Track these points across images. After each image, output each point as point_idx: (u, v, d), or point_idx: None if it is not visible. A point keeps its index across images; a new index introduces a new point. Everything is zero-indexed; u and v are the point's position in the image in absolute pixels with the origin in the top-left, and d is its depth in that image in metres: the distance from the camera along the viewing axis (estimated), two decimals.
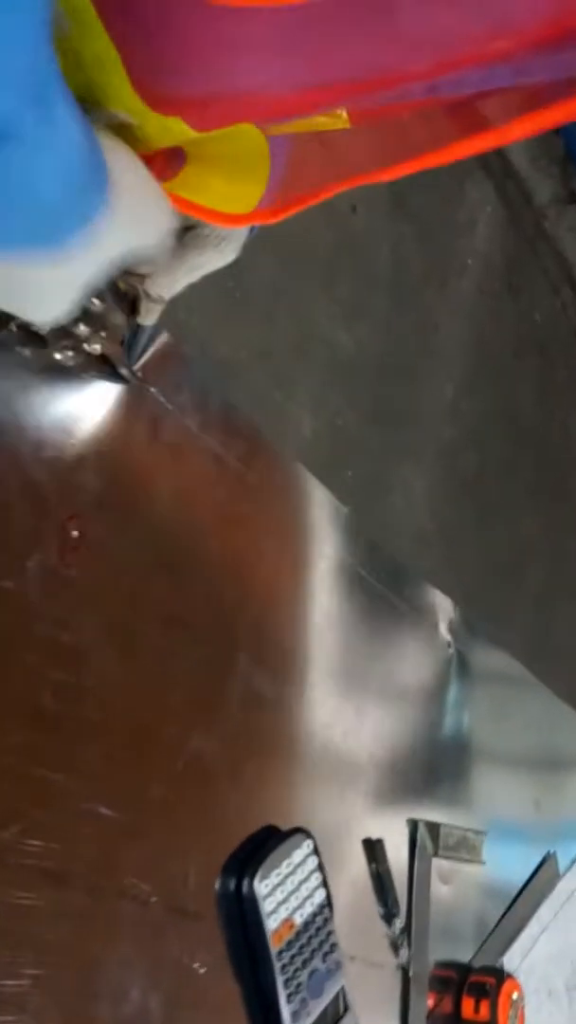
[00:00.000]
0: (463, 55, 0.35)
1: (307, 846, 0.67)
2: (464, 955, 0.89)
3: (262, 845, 0.65)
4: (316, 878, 0.68)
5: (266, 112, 0.42)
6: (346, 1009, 0.69)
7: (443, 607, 0.94)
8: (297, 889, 0.66)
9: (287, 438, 2.20)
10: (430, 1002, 0.82)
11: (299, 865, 0.66)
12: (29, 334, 0.50)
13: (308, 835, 0.68)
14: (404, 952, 0.79)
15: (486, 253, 3.13)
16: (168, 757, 0.59)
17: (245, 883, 0.63)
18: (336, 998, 0.68)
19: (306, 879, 0.67)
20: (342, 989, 0.68)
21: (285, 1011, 0.63)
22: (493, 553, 3.03)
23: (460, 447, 2.90)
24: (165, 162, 0.46)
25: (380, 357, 2.57)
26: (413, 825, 0.83)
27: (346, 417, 2.43)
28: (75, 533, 0.54)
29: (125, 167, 0.42)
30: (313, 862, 0.68)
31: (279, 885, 0.64)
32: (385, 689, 0.84)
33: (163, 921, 0.57)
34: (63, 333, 0.51)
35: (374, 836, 0.78)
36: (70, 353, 0.52)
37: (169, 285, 0.55)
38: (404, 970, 0.79)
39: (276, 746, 0.70)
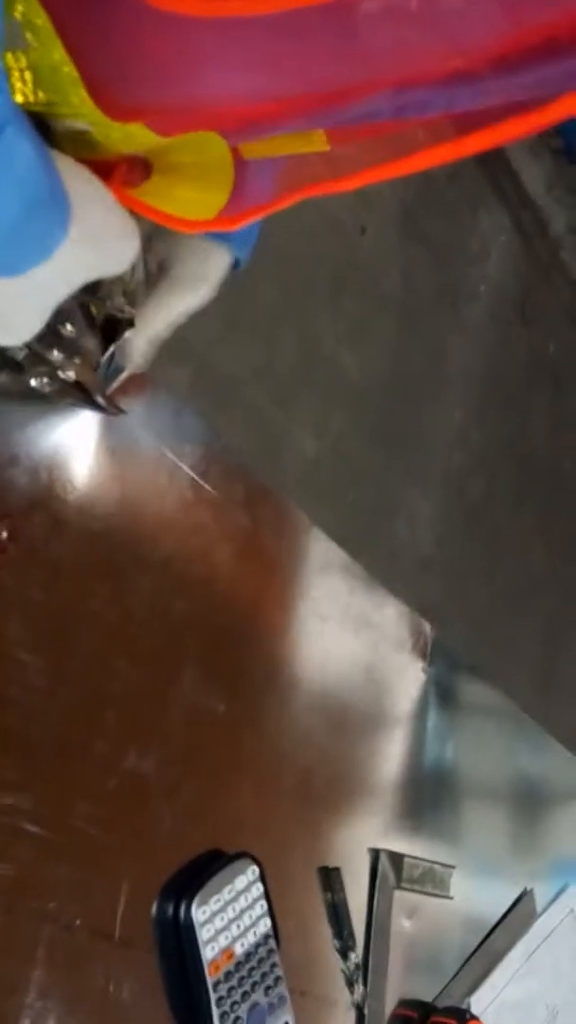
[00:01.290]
0: (423, 72, 0.35)
1: (252, 872, 0.65)
2: (429, 994, 0.85)
3: (204, 869, 0.62)
4: (261, 906, 0.65)
5: (229, 122, 0.42)
6: None
7: (417, 627, 0.91)
8: (239, 917, 0.63)
9: (287, 459, 2.18)
10: None
11: (242, 892, 0.64)
12: (5, 359, 0.50)
13: (254, 860, 0.65)
14: (359, 989, 0.75)
15: (499, 280, 3.11)
16: (100, 774, 0.57)
17: (182, 908, 0.60)
18: None
19: (249, 907, 0.64)
20: None
21: None
22: (499, 584, 2.99)
23: (468, 474, 2.87)
24: (129, 169, 0.45)
25: (386, 380, 2.55)
26: (375, 855, 0.80)
27: (350, 440, 2.41)
28: (3, 534, 0.52)
29: (86, 190, 0.42)
30: (258, 889, 0.65)
31: (219, 912, 0.61)
32: (350, 710, 0.81)
33: (88, 946, 0.54)
34: (38, 359, 0.50)
35: (331, 864, 0.75)
36: (45, 380, 0.52)
37: (148, 332, 0.55)
38: (359, 1008, 0.75)
39: (224, 766, 0.67)
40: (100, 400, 0.56)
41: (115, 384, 0.59)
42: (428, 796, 0.90)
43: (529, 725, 1.14)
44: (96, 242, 0.43)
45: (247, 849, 0.65)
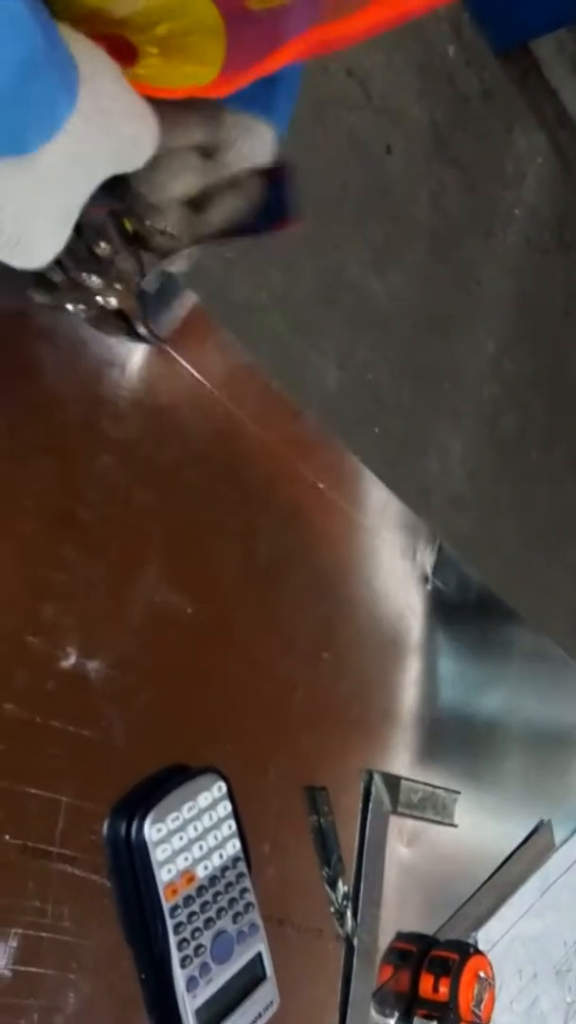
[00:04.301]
0: None
1: (218, 789, 0.58)
2: (430, 928, 0.79)
3: (163, 785, 0.56)
4: (228, 826, 0.59)
5: None
6: (263, 977, 0.59)
7: (422, 535, 0.83)
8: (202, 837, 0.57)
9: (308, 389, 2.09)
10: (382, 977, 0.72)
11: (206, 810, 0.57)
12: (41, 278, 0.46)
13: (220, 776, 0.58)
14: (349, 920, 0.69)
15: (535, 204, 2.96)
16: (34, 673, 0.50)
17: (134, 826, 0.54)
18: (251, 965, 0.59)
19: (215, 826, 0.58)
20: (258, 955, 0.59)
21: (178, 975, 0.54)
22: (533, 522, 2.89)
23: (501, 408, 2.76)
24: (111, 52, 0.40)
25: (415, 309, 2.44)
26: (368, 776, 0.73)
27: (377, 371, 2.31)
28: None
29: (93, 57, 0.37)
30: (225, 808, 0.58)
31: (178, 831, 0.55)
32: (339, 619, 0.74)
33: (17, 862, 0.48)
34: (73, 283, 0.46)
35: (317, 785, 0.68)
36: (82, 305, 0.48)
37: (204, 229, 0.50)
38: (348, 940, 0.69)
39: (191, 675, 0.61)
40: (141, 330, 0.52)
41: (171, 320, 0.58)
42: (432, 719, 0.83)
43: (555, 661, 1.07)
44: (110, 119, 0.38)
45: (215, 765, 0.59)
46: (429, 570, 0.84)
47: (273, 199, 0.51)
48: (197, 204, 0.50)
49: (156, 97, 0.43)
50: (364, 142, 2.27)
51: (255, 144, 0.50)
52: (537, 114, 3.04)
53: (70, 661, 0.53)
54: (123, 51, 0.40)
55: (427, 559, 0.84)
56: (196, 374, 0.63)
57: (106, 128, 0.38)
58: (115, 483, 0.57)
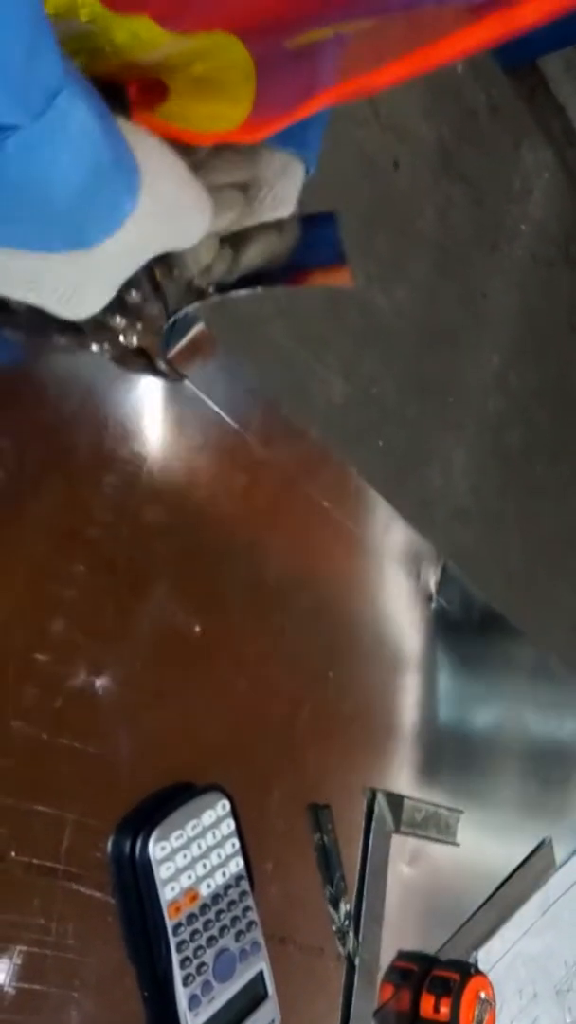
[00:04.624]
0: None
1: (222, 807, 0.58)
2: (431, 947, 0.79)
3: (167, 803, 0.56)
4: (232, 845, 0.59)
5: (241, 8, 0.37)
6: (264, 996, 0.60)
7: (426, 555, 0.84)
8: (206, 855, 0.57)
9: (313, 401, 2.10)
10: (383, 996, 0.72)
11: (210, 828, 0.58)
12: (65, 322, 0.47)
13: (224, 794, 0.59)
14: (351, 939, 0.69)
15: (541, 220, 2.97)
16: (43, 690, 0.51)
17: (138, 844, 0.54)
18: (253, 983, 0.59)
19: (218, 844, 0.58)
20: (260, 974, 0.59)
21: (180, 993, 0.54)
22: (537, 536, 2.89)
23: (506, 422, 2.77)
24: (143, 90, 0.42)
25: (421, 322, 2.45)
26: (371, 795, 0.74)
27: (382, 384, 2.32)
28: None
29: (156, 160, 0.40)
30: (228, 826, 0.59)
31: (181, 849, 0.55)
32: (345, 638, 0.74)
33: (22, 880, 0.49)
34: (100, 325, 0.48)
35: (321, 803, 0.69)
36: (106, 345, 0.50)
37: (242, 265, 0.52)
38: (350, 959, 0.69)
39: (198, 693, 0.61)
40: (161, 366, 0.54)
41: (180, 344, 0.59)
42: (435, 737, 0.83)
43: (557, 678, 1.07)
44: (168, 214, 0.41)
45: (220, 783, 0.59)
46: (433, 589, 0.84)
47: (316, 245, 0.52)
48: (235, 243, 0.51)
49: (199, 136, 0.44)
50: (371, 157, 2.28)
51: (289, 183, 0.52)
52: (545, 131, 3.05)
53: (79, 679, 0.53)
54: (154, 89, 0.42)
55: (431, 578, 0.84)
56: (203, 396, 0.64)
57: (164, 220, 0.41)
58: (123, 502, 0.58)
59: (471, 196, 2.65)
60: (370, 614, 0.78)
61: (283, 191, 0.52)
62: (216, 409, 0.65)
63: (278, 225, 0.53)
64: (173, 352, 0.60)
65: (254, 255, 0.52)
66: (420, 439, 2.46)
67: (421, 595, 0.84)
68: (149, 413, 0.60)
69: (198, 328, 0.62)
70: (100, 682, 0.54)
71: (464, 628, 0.90)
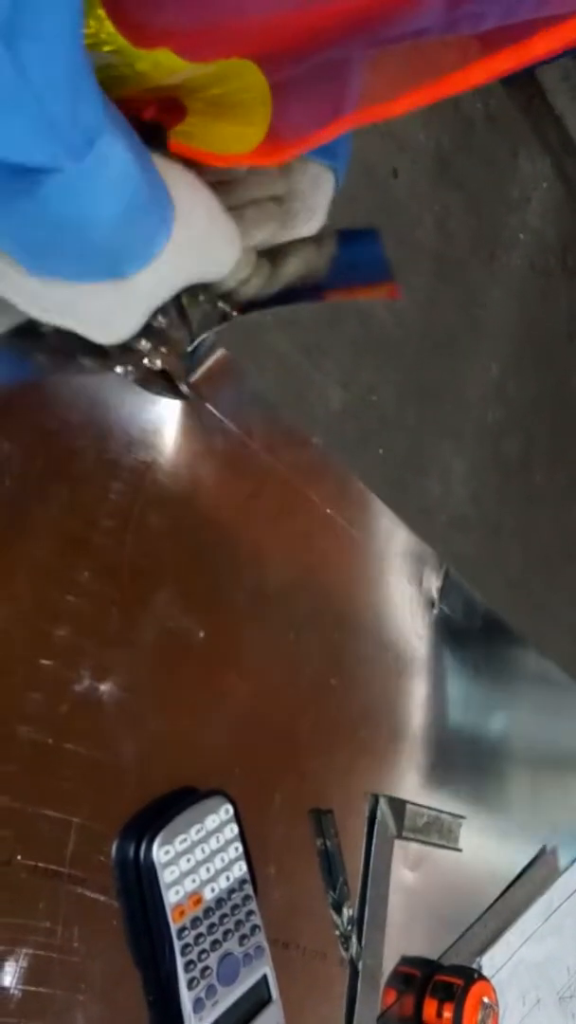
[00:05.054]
0: None
1: (225, 811, 0.59)
2: (434, 952, 0.79)
3: (171, 807, 0.57)
4: (235, 849, 0.59)
5: (259, 39, 0.37)
6: (268, 1000, 0.60)
7: (428, 561, 0.84)
8: (209, 859, 0.57)
9: (312, 409, 2.10)
10: (386, 1001, 0.72)
11: (213, 832, 0.58)
12: (91, 346, 0.49)
13: (228, 799, 0.59)
14: (353, 943, 0.69)
15: (539, 229, 2.99)
16: (47, 696, 0.51)
17: (143, 848, 0.54)
18: (256, 987, 0.59)
19: (222, 849, 0.58)
20: (264, 977, 0.60)
21: (185, 997, 0.54)
22: (536, 544, 2.90)
23: (505, 430, 2.78)
24: (161, 111, 0.43)
25: (419, 331, 2.46)
26: (373, 800, 0.74)
27: (381, 393, 2.33)
28: None
29: (190, 195, 0.41)
30: (232, 830, 0.59)
31: (185, 853, 0.56)
32: (349, 644, 0.75)
33: (28, 883, 0.49)
34: (125, 348, 0.49)
35: (324, 808, 0.69)
36: (130, 368, 0.51)
37: (280, 279, 0.53)
38: (353, 964, 0.70)
39: (201, 699, 0.61)
40: (184, 388, 0.55)
41: (203, 368, 0.61)
42: (437, 743, 0.83)
43: (559, 685, 1.07)
44: (200, 247, 0.43)
45: (223, 787, 0.59)
46: (436, 595, 0.85)
47: (361, 261, 0.53)
48: (273, 257, 0.52)
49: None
50: (370, 166, 2.29)
51: (321, 193, 0.53)
52: (542, 140, 3.07)
53: (83, 684, 0.53)
54: (172, 109, 0.43)
55: (434, 585, 0.85)
56: (207, 403, 0.64)
57: (195, 252, 0.43)
58: (128, 509, 0.58)
59: (469, 205, 2.66)
60: (373, 620, 0.78)
61: (315, 202, 0.53)
62: (219, 416, 0.65)
63: (316, 240, 0.54)
64: (196, 377, 0.62)
65: (293, 270, 0.53)
66: (419, 447, 2.47)
67: (423, 601, 0.84)
68: (153, 420, 0.61)
69: (220, 353, 0.63)
70: (105, 687, 0.55)
71: (466, 634, 0.90)
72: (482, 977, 0.76)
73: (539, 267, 2.97)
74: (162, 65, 0.37)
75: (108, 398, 0.58)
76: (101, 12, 0.34)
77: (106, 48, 0.36)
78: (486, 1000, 0.75)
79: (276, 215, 0.52)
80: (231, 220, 0.45)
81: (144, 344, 0.49)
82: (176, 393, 0.55)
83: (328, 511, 0.74)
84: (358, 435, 2.25)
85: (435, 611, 0.85)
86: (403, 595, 0.82)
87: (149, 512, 0.59)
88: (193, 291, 0.50)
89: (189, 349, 0.52)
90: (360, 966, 0.69)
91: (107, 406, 0.58)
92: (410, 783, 0.79)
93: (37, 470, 0.53)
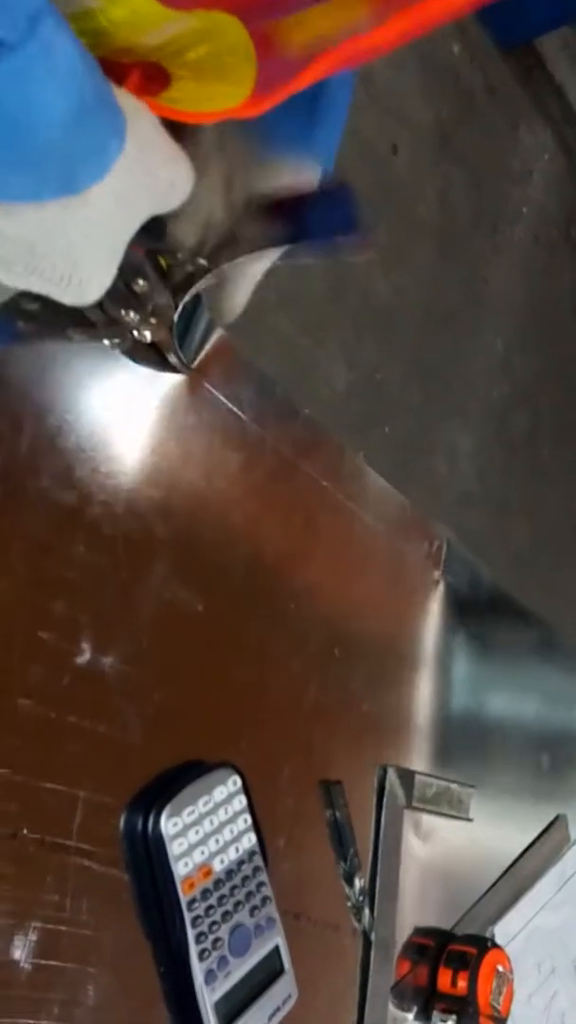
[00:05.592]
0: None
1: (233, 783, 0.58)
2: (447, 922, 0.79)
3: (179, 779, 0.56)
4: (244, 820, 0.59)
5: None
6: (281, 971, 0.60)
7: (430, 533, 0.83)
8: (218, 831, 0.57)
9: (316, 390, 2.09)
10: (400, 971, 0.72)
11: (222, 804, 0.57)
12: (79, 318, 0.48)
13: (235, 771, 0.59)
14: (366, 914, 0.69)
15: (542, 202, 2.96)
16: (48, 669, 0.51)
17: (150, 820, 0.54)
18: (269, 958, 0.59)
19: (230, 820, 0.58)
20: (276, 948, 0.60)
21: (196, 968, 0.54)
22: (544, 521, 2.89)
23: (510, 406, 2.76)
24: (144, 77, 0.41)
25: (423, 308, 2.44)
26: (382, 771, 0.73)
27: (385, 371, 2.31)
28: None
29: (131, 102, 0.39)
30: (240, 802, 0.59)
31: (194, 825, 0.55)
32: (352, 616, 0.74)
33: (35, 857, 0.49)
34: (111, 320, 0.49)
35: (332, 779, 0.69)
36: (117, 340, 0.51)
37: (248, 281, 0.53)
38: (365, 934, 0.69)
39: (205, 672, 0.61)
40: (173, 359, 0.54)
41: (205, 350, 0.60)
42: (444, 714, 0.83)
43: (564, 656, 1.07)
44: (151, 163, 0.41)
45: (230, 760, 0.59)
46: (439, 566, 0.84)
47: (332, 217, 0.52)
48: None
49: (188, 124, 0.44)
50: (370, 142, 2.27)
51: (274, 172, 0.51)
52: (543, 111, 3.03)
53: (85, 657, 0.53)
54: (156, 76, 0.41)
55: (437, 556, 0.84)
56: (204, 382, 0.64)
57: (148, 171, 0.41)
58: (122, 483, 0.58)
59: (471, 179, 2.64)
60: (376, 591, 0.78)
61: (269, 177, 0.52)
62: (211, 389, 0.65)
63: (271, 202, 0.52)
64: (193, 358, 0.61)
65: (249, 232, 0.51)
66: (425, 425, 2.46)
67: (426, 572, 0.84)
68: (146, 393, 0.60)
69: (218, 335, 0.63)
70: (107, 660, 0.54)
71: (470, 604, 0.89)
72: (496, 946, 0.76)
73: (543, 240, 2.95)
74: (139, 13, 0.36)
75: (99, 371, 0.57)
76: None
77: None
78: (500, 969, 0.74)
79: (219, 189, 0.51)
80: (174, 142, 0.43)
81: (132, 316, 0.49)
82: (166, 365, 0.55)
83: (324, 484, 0.73)
84: (364, 415, 2.24)
85: (438, 582, 0.84)
86: (406, 566, 0.82)
87: (142, 485, 0.59)
88: (169, 248, 0.48)
89: (176, 318, 0.52)
90: (373, 937, 0.69)
91: (98, 379, 0.57)
92: (418, 754, 0.79)
93: (27, 443, 0.52)
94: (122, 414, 0.58)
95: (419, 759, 0.78)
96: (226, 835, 0.57)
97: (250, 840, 0.59)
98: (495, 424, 2.70)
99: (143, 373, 0.59)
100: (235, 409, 0.66)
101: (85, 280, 0.41)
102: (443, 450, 2.53)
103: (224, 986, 0.55)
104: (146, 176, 0.41)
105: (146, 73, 0.42)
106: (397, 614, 0.80)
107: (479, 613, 0.91)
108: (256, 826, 0.59)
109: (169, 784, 0.56)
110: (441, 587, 0.84)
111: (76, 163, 0.36)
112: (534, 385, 2.87)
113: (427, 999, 0.73)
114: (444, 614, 0.85)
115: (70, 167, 0.36)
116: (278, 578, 0.68)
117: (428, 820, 0.78)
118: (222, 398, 0.65)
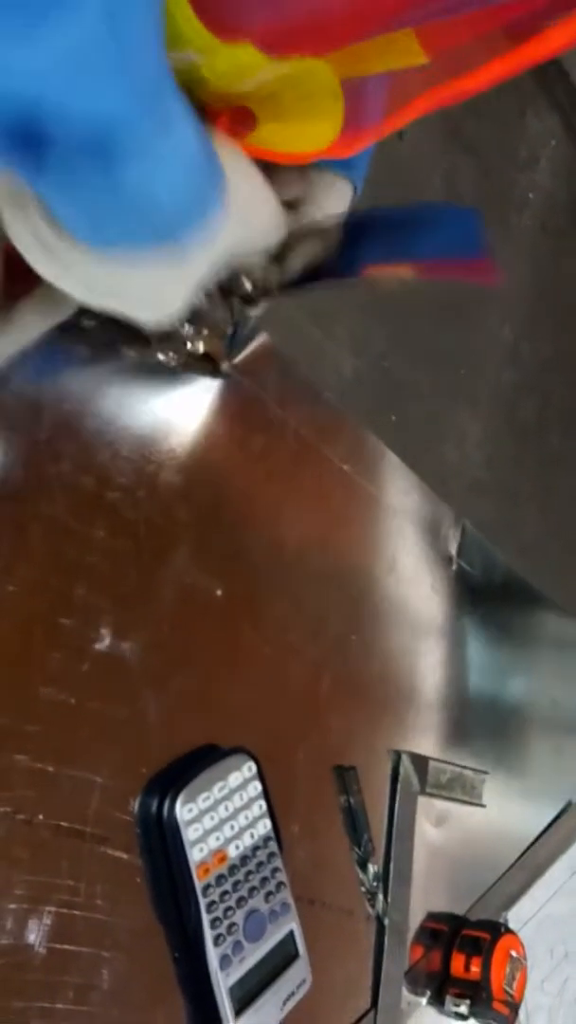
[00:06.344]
0: None
1: (248, 769, 0.58)
2: (461, 908, 0.79)
3: (194, 765, 0.56)
4: (259, 806, 0.59)
5: (334, 27, 0.37)
6: (295, 956, 0.60)
7: (445, 518, 0.83)
8: (233, 817, 0.57)
9: (324, 378, 2.09)
10: (414, 956, 0.72)
11: (237, 790, 0.57)
12: (133, 335, 0.49)
13: (250, 756, 0.59)
14: (380, 899, 0.69)
15: (550, 188, 2.94)
16: (68, 655, 0.51)
17: (165, 806, 0.54)
18: (283, 943, 0.59)
19: (245, 806, 0.58)
20: (291, 933, 0.60)
21: (211, 954, 0.54)
22: (553, 508, 2.88)
23: (519, 393, 2.75)
24: (234, 120, 0.43)
25: (430, 295, 2.43)
26: (396, 757, 0.73)
27: (392, 358, 2.30)
28: None
29: (233, 160, 0.42)
30: (255, 788, 0.59)
31: (209, 811, 0.55)
32: (367, 601, 0.74)
33: (51, 842, 0.49)
34: (166, 334, 0.49)
35: (346, 765, 0.69)
36: (171, 353, 0.51)
37: (285, 277, 0.53)
38: (379, 919, 0.69)
39: (222, 657, 0.61)
40: (225, 368, 0.56)
41: (246, 351, 0.61)
42: (458, 700, 0.83)
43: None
44: (247, 214, 0.43)
45: (245, 745, 0.59)
46: (454, 552, 0.84)
47: (457, 240, 0.52)
48: (277, 254, 0.51)
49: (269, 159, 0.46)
50: None
51: (337, 199, 0.53)
52: (549, 97, 3.01)
53: (104, 643, 0.53)
54: (243, 118, 0.43)
55: (452, 541, 0.84)
56: (244, 381, 0.64)
57: (243, 221, 0.42)
58: (143, 466, 0.57)
59: (478, 166, 2.62)
60: (391, 576, 0.78)
61: (331, 207, 0.53)
62: (236, 375, 0.64)
63: (321, 233, 0.53)
64: (237, 360, 0.61)
65: (295, 264, 0.52)
66: (434, 413, 2.45)
67: (441, 557, 0.83)
68: (166, 379, 0.60)
69: (261, 338, 0.63)
70: (126, 645, 0.54)
71: (485, 590, 0.89)
72: (509, 931, 0.76)
73: (550, 227, 2.93)
74: (242, 63, 0.37)
75: (118, 357, 0.57)
76: (188, 10, 0.35)
77: (188, 45, 0.36)
78: (514, 954, 0.74)
79: (288, 219, 0.51)
80: (269, 187, 0.45)
81: (187, 329, 0.49)
82: (217, 373, 0.55)
83: (344, 467, 0.73)
84: (372, 402, 2.23)
85: (453, 567, 0.84)
86: (421, 550, 0.81)
87: (163, 470, 0.59)
88: (234, 273, 0.49)
89: (230, 331, 0.52)
90: (386, 922, 0.69)
91: (118, 364, 0.57)
92: (432, 740, 0.79)
93: (47, 429, 0.52)
94: (143, 399, 0.58)
95: (433, 745, 0.78)
96: (241, 821, 0.57)
97: (265, 826, 0.59)
98: (504, 412, 2.69)
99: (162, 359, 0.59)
100: (259, 392, 0.66)
101: (162, 305, 0.43)
102: (452, 438, 2.52)
103: (239, 971, 0.55)
104: (241, 226, 0.43)
105: (234, 116, 0.43)
106: (413, 599, 0.79)
107: (494, 598, 0.91)
108: (271, 812, 0.59)
109: (184, 770, 0.56)
110: (456, 572, 0.84)
111: (180, 220, 0.38)
112: (543, 371, 2.85)
113: (440, 984, 0.73)
114: (459, 599, 0.84)
115: (174, 223, 0.38)
116: (297, 563, 0.68)
117: (442, 806, 0.78)
118: (244, 381, 0.65)
